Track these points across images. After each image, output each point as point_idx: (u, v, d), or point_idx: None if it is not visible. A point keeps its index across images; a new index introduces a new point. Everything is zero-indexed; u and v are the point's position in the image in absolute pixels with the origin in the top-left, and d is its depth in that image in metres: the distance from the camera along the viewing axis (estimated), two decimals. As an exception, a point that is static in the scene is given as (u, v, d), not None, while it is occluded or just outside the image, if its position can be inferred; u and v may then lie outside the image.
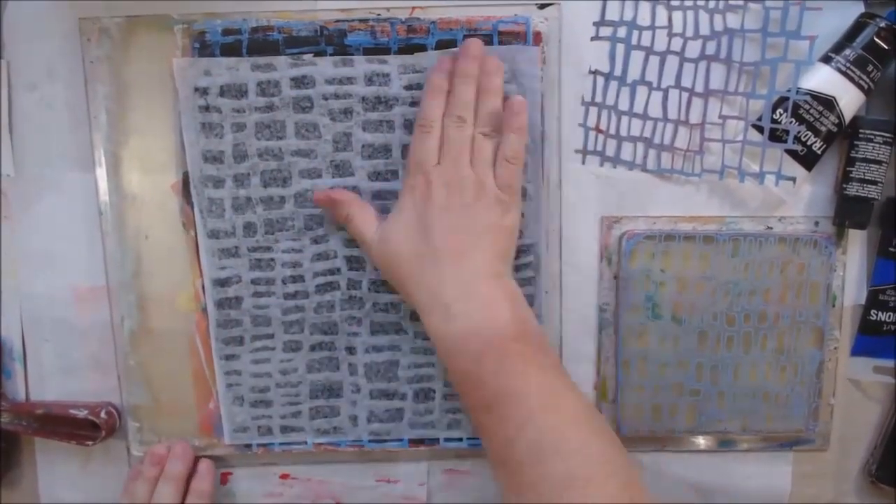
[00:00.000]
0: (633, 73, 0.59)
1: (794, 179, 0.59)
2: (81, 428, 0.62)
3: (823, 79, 0.57)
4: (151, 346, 0.62)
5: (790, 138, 0.58)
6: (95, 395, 0.63)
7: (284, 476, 0.66)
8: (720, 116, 0.59)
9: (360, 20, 0.58)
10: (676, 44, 0.59)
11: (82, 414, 0.61)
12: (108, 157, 0.60)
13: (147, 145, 0.60)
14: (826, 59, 0.57)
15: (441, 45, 0.58)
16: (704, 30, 0.58)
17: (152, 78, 0.58)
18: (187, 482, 0.63)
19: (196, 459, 0.64)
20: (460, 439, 0.64)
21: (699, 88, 0.59)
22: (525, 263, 0.61)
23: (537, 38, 0.58)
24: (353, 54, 0.58)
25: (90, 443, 0.62)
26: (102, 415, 0.62)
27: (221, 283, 0.61)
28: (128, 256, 0.61)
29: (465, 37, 0.57)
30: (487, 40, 0.57)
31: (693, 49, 0.59)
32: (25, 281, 0.62)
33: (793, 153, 0.59)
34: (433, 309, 0.53)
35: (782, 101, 0.58)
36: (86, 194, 0.61)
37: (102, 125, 0.59)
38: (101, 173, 0.60)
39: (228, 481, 0.66)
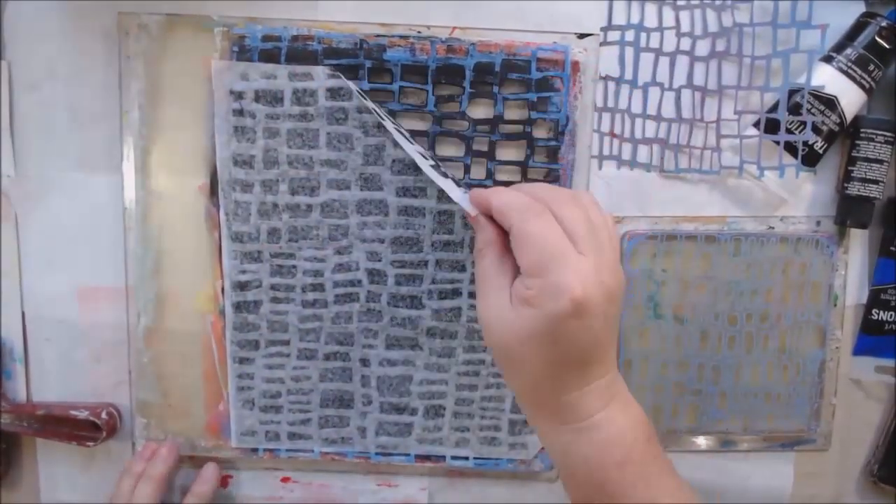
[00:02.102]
0: (644, 76, 0.60)
1: (814, 170, 0.60)
2: (82, 429, 0.62)
3: (825, 78, 0.57)
4: (166, 344, 0.62)
5: (808, 128, 0.58)
6: (97, 395, 0.63)
7: (285, 479, 0.65)
8: (735, 112, 0.60)
9: (401, 37, 0.58)
10: (686, 43, 0.59)
11: (83, 415, 0.61)
12: (137, 154, 0.60)
13: (177, 145, 0.60)
14: (827, 59, 0.58)
15: (479, 67, 0.58)
16: (713, 27, 0.59)
17: (187, 78, 0.58)
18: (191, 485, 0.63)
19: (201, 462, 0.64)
20: (466, 458, 0.64)
21: (712, 86, 0.60)
22: None
23: (575, 67, 0.58)
24: (391, 69, 0.58)
25: (91, 443, 0.61)
26: (103, 415, 0.61)
27: (241, 286, 0.61)
28: (149, 254, 0.61)
29: (504, 61, 0.58)
30: (526, 66, 0.58)
31: (703, 47, 0.59)
32: (26, 281, 0.62)
33: (793, 152, 0.59)
34: (568, 417, 0.46)
35: (790, 95, 0.58)
36: (89, 194, 0.61)
37: (134, 122, 0.59)
38: (129, 170, 0.60)
39: (229, 484, 0.65)
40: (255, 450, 0.63)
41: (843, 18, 0.58)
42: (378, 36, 0.58)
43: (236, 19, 0.58)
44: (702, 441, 0.65)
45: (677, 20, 0.59)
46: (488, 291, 0.46)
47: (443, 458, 0.64)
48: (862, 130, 0.59)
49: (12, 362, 0.63)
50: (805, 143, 0.58)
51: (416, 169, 0.59)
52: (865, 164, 0.59)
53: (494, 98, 0.59)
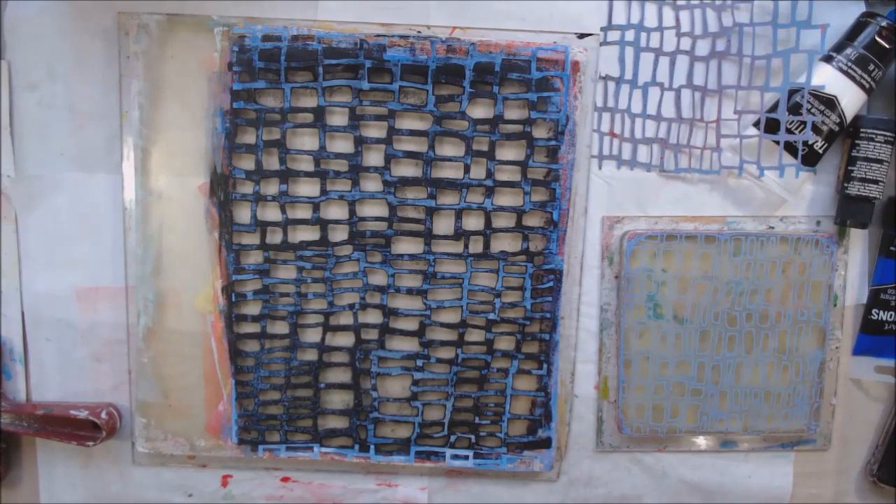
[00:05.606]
0: (644, 76, 0.60)
1: (814, 170, 0.60)
2: (82, 428, 0.62)
3: (825, 78, 0.57)
4: (166, 344, 0.62)
5: (808, 128, 0.58)
6: (96, 395, 0.63)
7: (285, 479, 0.65)
8: (735, 112, 0.60)
9: (401, 37, 0.58)
10: (686, 43, 0.59)
11: (83, 415, 0.61)
12: (137, 154, 0.60)
13: (177, 145, 0.60)
14: (827, 59, 0.58)
15: (479, 67, 0.58)
16: (713, 27, 0.59)
17: (187, 78, 0.59)
18: None
19: None
20: (466, 457, 0.64)
21: (712, 86, 0.60)
22: (545, 288, 0.61)
23: (575, 66, 0.58)
24: (391, 69, 0.58)
25: (91, 443, 0.61)
26: (103, 415, 0.61)
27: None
28: (148, 254, 0.61)
29: (504, 61, 0.58)
30: (526, 66, 0.58)
31: (703, 47, 0.59)
32: (26, 281, 0.62)
33: (793, 152, 0.59)
34: None
35: (790, 95, 0.58)
36: (89, 194, 0.61)
37: (134, 122, 0.59)
38: (129, 169, 0.60)
39: (228, 483, 0.65)
40: (254, 450, 0.63)
41: (843, 18, 0.59)
42: (378, 36, 0.58)
43: (236, 19, 0.58)
44: (702, 441, 0.65)
45: (677, 20, 0.59)
46: None
47: (442, 457, 0.64)
48: (862, 130, 0.59)
49: (12, 362, 0.63)
50: (805, 143, 0.58)
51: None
52: (865, 164, 0.59)
53: (494, 98, 0.59)
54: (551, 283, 0.61)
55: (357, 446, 0.63)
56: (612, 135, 0.61)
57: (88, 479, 0.65)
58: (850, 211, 0.60)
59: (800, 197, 0.62)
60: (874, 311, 0.63)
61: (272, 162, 0.59)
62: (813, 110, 0.58)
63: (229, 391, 0.62)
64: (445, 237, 0.61)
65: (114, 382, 0.63)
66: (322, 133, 0.59)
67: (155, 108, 0.59)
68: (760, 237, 0.61)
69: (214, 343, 0.62)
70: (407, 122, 0.59)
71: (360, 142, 0.59)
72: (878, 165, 0.59)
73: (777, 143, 0.59)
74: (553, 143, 0.59)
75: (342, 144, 0.60)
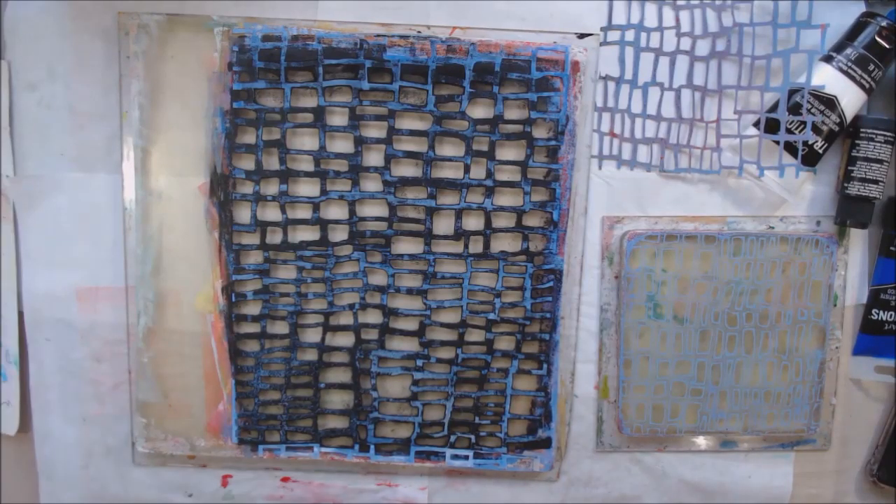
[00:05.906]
0: (644, 76, 0.60)
1: (814, 170, 0.60)
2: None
3: (825, 78, 0.57)
4: (166, 344, 0.62)
5: (808, 128, 0.58)
6: (96, 395, 0.63)
7: (285, 479, 0.65)
8: (735, 112, 0.60)
9: (401, 37, 0.58)
10: (686, 43, 0.59)
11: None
12: (137, 154, 0.60)
13: (177, 145, 0.60)
14: (827, 59, 0.58)
15: (479, 67, 0.58)
16: (713, 27, 0.59)
17: (187, 78, 0.59)
18: None
19: None
20: (466, 457, 0.64)
21: (712, 86, 0.60)
22: (545, 288, 0.61)
23: (575, 67, 0.58)
24: (391, 69, 0.58)
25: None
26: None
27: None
28: (148, 254, 0.61)
29: (504, 61, 0.58)
30: (526, 66, 0.58)
31: (703, 47, 0.59)
32: (26, 281, 0.62)
33: (793, 152, 0.59)
34: None
35: (790, 95, 0.58)
36: (89, 194, 0.61)
37: (134, 122, 0.59)
38: (129, 169, 0.60)
39: (228, 483, 0.65)
40: (254, 450, 0.63)
41: (843, 18, 0.59)
42: (378, 36, 0.58)
43: (236, 19, 0.58)
44: (702, 441, 0.65)
45: (677, 20, 0.59)
46: None
47: (443, 457, 0.64)
48: (862, 130, 0.59)
49: (8, 364, 0.62)
50: (805, 143, 0.58)
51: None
52: (865, 164, 0.59)
53: (494, 98, 0.59)
54: (551, 283, 0.61)
55: (357, 446, 0.63)
56: (612, 135, 0.61)
57: (88, 479, 0.65)
58: (850, 211, 0.60)
59: (800, 197, 0.62)
60: (874, 311, 0.63)
61: (272, 162, 0.60)
62: (813, 110, 0.58)
63: (229, 391, 0.62)
64: (445, 237, 0.61)
65: (114, 382, 0.63)
66: (322, 133, 0.59)
67: (155, 108, 0.59)
68: (760, 237, 0.61)
69: (214, 343, 0.62)
70: (407, 122, 0.59)
71: (360, 142, 0.59)
72: (878, 165, 0.59)
73: (777, 143, 0.59)
74: (553, 143, 0.59)
75: (342, 144, 0.60)
